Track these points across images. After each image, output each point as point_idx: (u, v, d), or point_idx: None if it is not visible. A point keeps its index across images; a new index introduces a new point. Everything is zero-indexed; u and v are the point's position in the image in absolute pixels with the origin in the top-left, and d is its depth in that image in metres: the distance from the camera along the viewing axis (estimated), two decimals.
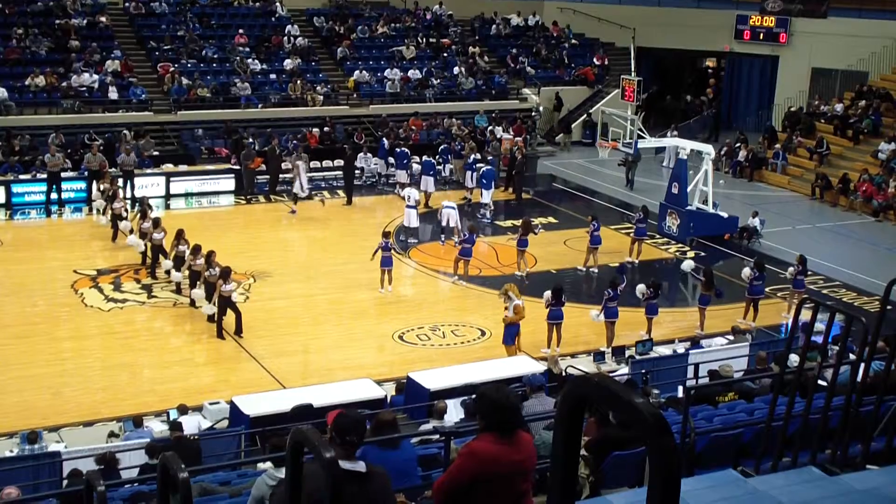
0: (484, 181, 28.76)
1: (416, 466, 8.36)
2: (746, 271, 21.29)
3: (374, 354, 19.23)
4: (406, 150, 31.02)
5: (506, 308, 18.46)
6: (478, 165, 30.16)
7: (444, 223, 25.66)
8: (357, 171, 31.10)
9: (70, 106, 31.23)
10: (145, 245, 22.83)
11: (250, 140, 31.16)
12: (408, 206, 25.90)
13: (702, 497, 3.78)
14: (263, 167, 30.34)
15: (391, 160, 31.55)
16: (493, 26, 41.69)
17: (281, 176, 30.22)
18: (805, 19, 38.85)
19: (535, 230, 23.98)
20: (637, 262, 24.71)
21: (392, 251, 22.34)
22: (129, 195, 27.40)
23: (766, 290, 21.62)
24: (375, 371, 17.46)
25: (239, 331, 19.44)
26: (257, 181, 30.31)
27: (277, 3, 38.37)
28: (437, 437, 10.16)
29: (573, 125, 38.71)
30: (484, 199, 28.79)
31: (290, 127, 33.42)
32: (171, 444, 11.92)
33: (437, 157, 31.21)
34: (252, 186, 29.97)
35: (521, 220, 24.94)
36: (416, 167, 30.40)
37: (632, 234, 25.25)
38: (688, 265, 23.43)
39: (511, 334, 18.40)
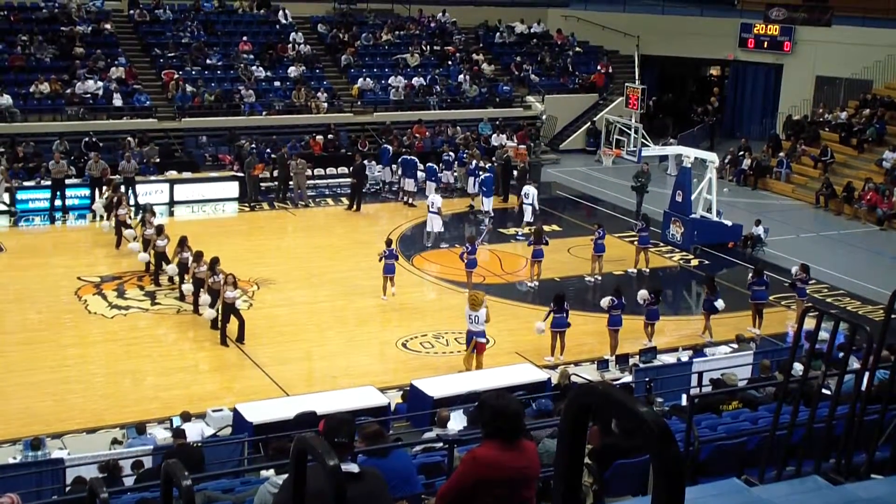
0: (484, 189, 28.81)
1: (414, 474, 8.34)
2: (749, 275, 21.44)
3: (377, 362, 19.22)
4: (414, 158, 31.05)
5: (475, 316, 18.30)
6: (479, 172, 30.23)
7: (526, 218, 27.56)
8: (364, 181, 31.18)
9: (74, 113, 31.29)
10: (148, 252, 22.85)
11: (253, 146, 31.19)
12: (431, 212, 26.05)
13: None
14: (267, 174, 30.42)
15: (395, 167, 31.59)
16: (498, 34, 41.71)
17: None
18: (809, 28, 38.88)
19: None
20: (647, 270, 24.69)
21: (396, 259, 22.33)
22: (131, 202, 27.42)
23: (770, 298, 21.59)
24: (379, 378, 17.45)
25: (241, 338, 19.42)
26: (261, 188, 30.37)
27: (282, 11, 38.43)
28: (440, 444, 10.16)
29: (575, 135, 38.81)
30: (484, 206, 28.95)
31: (294, 134, 33.46)
32: (175, 451, 11.91)
33: (440, 164, 31.31)
34: (256, 194, 30.00)
35: (532, 229, 24.92)
36: (419, 175, 30.45)
37: (636, 244, 25.23)
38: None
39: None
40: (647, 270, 24.70)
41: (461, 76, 37.82)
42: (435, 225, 26.07)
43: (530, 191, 28.26)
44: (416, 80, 37.06)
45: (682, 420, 9.65)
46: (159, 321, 20.92)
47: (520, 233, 27.48)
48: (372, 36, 38.93)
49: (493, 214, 29.04)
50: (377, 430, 8.14)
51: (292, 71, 35.49)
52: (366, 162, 31.46)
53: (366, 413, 13.74)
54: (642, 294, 20.09)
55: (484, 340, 18.40)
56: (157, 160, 30.71)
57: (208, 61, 35.04)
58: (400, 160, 31.18)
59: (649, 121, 35.52)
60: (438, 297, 23.35)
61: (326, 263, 24.86)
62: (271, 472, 9.94)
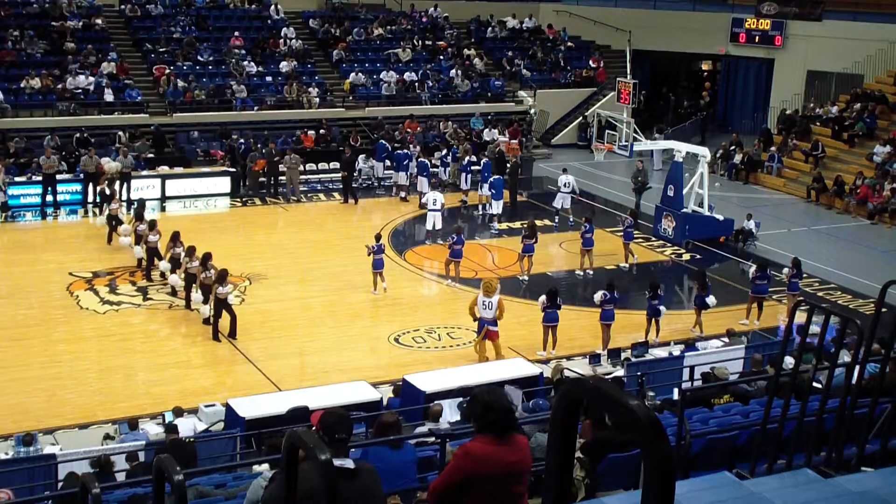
0: (493, 191, 28.44)
1: (414, 468, 8.37)
2: (752, 269, 21.44)
3: (369, 357, 19.21)
4: (407, 151, 31.01)
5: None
6: (474, 168, 30.16)
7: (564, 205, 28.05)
8: (354, 174, 31.15)
9: (66, 108, 31.20)
10: (141, 248, 22.80)
11: (241, 141, 31.15)
12: (431, 210, 26.00)
13: (697, 499, 3.79)
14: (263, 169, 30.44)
15: (388, 163, 31.57)
16: (489, 29, 41.70)
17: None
18: (800, 22, 38.91)
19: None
20: (635, 260, 24.70)
21: (383, 253, 22.27)
22: (125, 197, 27.39)
23: None
24: (371, 373, 17.45)
25: (233, 334, 19.41)
26: (260, 183, 30.39)
27: (273, 6, 38.36)
28: (432, 439, 10.17)
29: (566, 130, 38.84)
30: (494, 209, 28.24)
31: (286, 129, 33.42)
32: (167, 446, 11.90)
33: (430, 159, 31.25)
34: (256, 188, 30.05)
35: (525, 224, 24.86)
36: (412, 170, 30.42)
37: (622, 239, 25.17)
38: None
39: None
40: (627, 266, 24.71)
41: (453, 71, 37.79)
42: (436, 222, 26.05)
43: (568, 179, 28.14)
44: (407, 75, 37.03)
45: (673, 414, 9.69)
46: (151, 317, 20.88)
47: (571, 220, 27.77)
48: (364, 31, 38.88)
49: (491, 213, 28.78)
50: (396, 420, 8.16)
51: (284, 66, 35.44)
52: (359, 156, 31.49)
53: (358, 408, 13.77)
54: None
55: (496, 329, 18.46)
56: (150, 155, 30.65)
57: (200, 56, 34.96)
58: (393, 155, 31.16)
59: (647, 113, 35.56)
60: (431, 293, 23.35)
61: (318, 258, 24.84)
62: (264, 466, 9.95)
